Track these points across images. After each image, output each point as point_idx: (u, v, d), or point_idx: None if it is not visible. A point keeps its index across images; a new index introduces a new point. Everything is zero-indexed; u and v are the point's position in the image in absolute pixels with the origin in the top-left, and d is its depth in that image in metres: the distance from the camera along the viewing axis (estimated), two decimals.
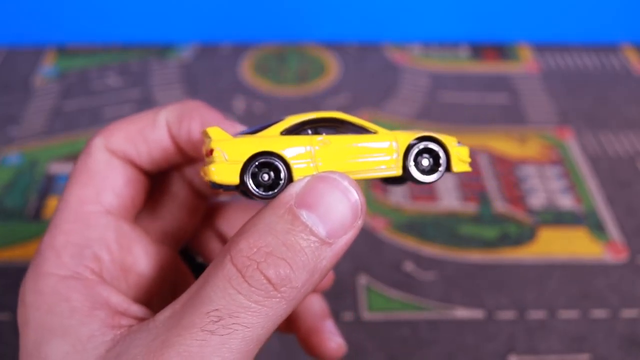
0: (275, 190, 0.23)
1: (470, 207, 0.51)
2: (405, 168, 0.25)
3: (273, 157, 0.23)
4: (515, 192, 0.52)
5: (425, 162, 0.25)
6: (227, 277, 0.20)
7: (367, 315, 0.43)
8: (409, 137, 0.25)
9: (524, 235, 0.49)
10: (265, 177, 0.23)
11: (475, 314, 0.43)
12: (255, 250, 0.20)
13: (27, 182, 0.52)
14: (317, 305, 0.33)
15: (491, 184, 0.53)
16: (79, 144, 0.56)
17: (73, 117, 0.60)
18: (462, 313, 0.43)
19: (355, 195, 0.22)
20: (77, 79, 0.65)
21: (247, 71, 0.66)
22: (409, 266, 0.46)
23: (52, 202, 0.51)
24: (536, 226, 0.50)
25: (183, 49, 0.69)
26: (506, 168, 0.55)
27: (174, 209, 0.30)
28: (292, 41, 0.69)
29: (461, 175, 0.54)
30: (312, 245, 0.21)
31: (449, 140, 0.26)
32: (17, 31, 0.67)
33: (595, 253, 0.48)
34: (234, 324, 0.20)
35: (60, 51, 0.68)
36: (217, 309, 0.20)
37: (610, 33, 0.70)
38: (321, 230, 0.21)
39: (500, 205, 0.51)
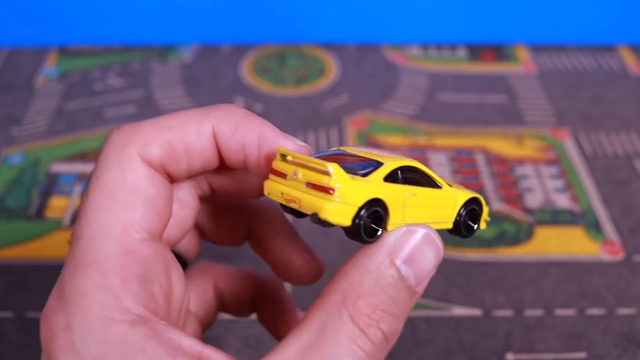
0: (376, 237, 0.24)
1: None
2: (456, 222, 0.27)
3: (380, 205, 0.24)
4: (512, 191, 0.53)
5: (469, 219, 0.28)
6: (351, 337, 0.21)
7: None
8: (464, 196, 0.28)
9: (521, 234, 0.49)
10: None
11: (473, 312, 0.44)
12: (373, 309, 0.22)
13: (29, 182, 0.53)
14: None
15: (489, 184, 0.53)
16: (80, 144, 0.57)
17: (75, 117, 0.60)
18: (459, 311, 0.44)
19: (441, 250, 0.24)
20: (79, 79, 0.65)
21: (247, 71, 0.66)
22: None
23: (54, 202, 0.51)
24: (533, 225, 0.50)
25: (184, 50, 0.69)
26: (504, 168, 0.55)
27: (183, 216, 0.28)
28: (292, 42, 0.70)
29: (461, 175, 0.54)
30: (411, 297, 0.23)
31: (483, 202, 0.29)
32: (19, 32, 0.68)
33: (592, 252, 0.48)
34: None
35: (62, 52, 0.68)
36: None
37: (606, 34, 0.70)
38: (414, 282, 0.23)
39: (497, 205, 0.52)
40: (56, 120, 0.60)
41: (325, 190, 0.23)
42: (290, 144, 0.25)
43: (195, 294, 0.31)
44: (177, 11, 0.67)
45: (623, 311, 0.44)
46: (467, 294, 0.45)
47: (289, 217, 0.30)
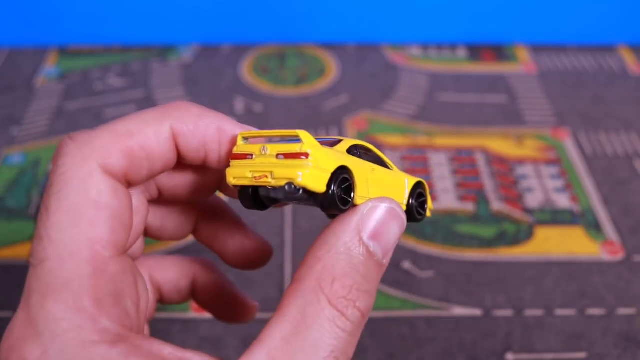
0: (348, 207, 0.24)
1: (468, 206, 0.51)
2: (409, 206, 0.28)
3: (349, 174, 0.24)
4: (512, 191, 0.53)
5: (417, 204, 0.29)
6: (331, 319, 0.22)
7: None
8: (411, 180, 0.28)
9: (521, 234, 0.49)
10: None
11: (473, 312, 0.44)
12: (348, 290, 0.22)
13: (29, 182, 0.53)
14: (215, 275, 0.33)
15: (489, 184, 0.53)
16: None
17: (75, 117, 0.60)
18: (460, 311, 0.44)
19: (405, 221, 0.25)
20: (79, 79, 0.65)
21: (247, 71, 0.66)
22: (407, 265, 0.47)
23: None
24: (533, 225, 0.50)
25: (184, 50, 0.69)
26: (504, 168, 0.55)
27: (135, 223, 0.26)
28: (292, 42, 0.70)
29: (461, 175, 0.54)
30: (379, 271, 0.24)
31: (427, 188, 0.30)
32: (19, 32, 0.68)
33: (592, 252, 0.48)
34: (349, 358, 0.22)
35: (62, 52, 0.68)
36: (333, 351, 0.22)
37: (606, 34, 0.70)
38: (381, 256, 0.24)
39: (497, 205, 0.52)
40: (56, 120, 0.60)
41: (298, 156, 0.23)
42: (241, 128, 0.26)
43: (173, 281, 0.31)
44: (177, 11, 0.67)
45: (623, 311, 0.44)
46: (467, 294, 0.45)
47: (234, 206, 0.30)
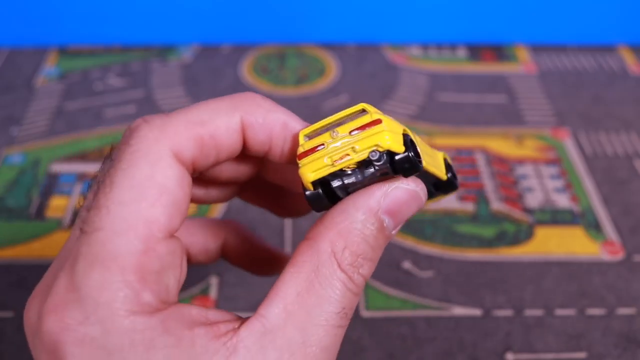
0: (421, 170, 0.24)
1: (468, 206, 0.51)
2: (449, 178, 0.29)
3: (412, 138, 0.25)
4: (512, 191, 0.53)
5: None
6: (342, 281, 0.24)
7: (365, 313, 0.43)
8: (440, 153, 0.29)
9: (521, 234, 0.49)
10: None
11: (473, 312, 0.44)
12: (356, 258, 0.24)
13: (29, 182, 0.53)
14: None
15: (489, 184, 0.53)
16: (80, 144, 0.57)
17: (75, 117, 0.60)
18: (459, 311, 0.44)
19: (424, 202, 0.26)
20: (79, 79, 0.65)
21: (247, 71, 0.66)
22: (407, 265, 0.47)
23: (54, 202, 0.51)
24: (533, 225, 0.50)
25: (184, 50, 0.69)
26: (504, 168, 0.55)
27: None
28: (292, 42, 0.70)
29: (461, 175, 0.54)
30: (386, 242, 0.26)
31: (449, 160, 0.31)
32: (19, 32, 0.68)
33: (592, 252, 0.48)
34: (351, 315, 0.25)
35: (62, 52, 0.68)
36: (344, 307, 0.24)
37: (606, 34, 0.70)
38: (392, 229, 0.26)
39: (497, 205, 0.52)
40: (56, 120, 0.60)
41: (372, 124, 0.23)
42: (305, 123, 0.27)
43: (203, 244, 0.33)
44: (177, 11, 0.67)
45: (623, 311, 0.44)
46: (467, 294, 0.45)
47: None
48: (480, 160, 0.56)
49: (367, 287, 0.45)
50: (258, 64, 0.68)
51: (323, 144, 0.24)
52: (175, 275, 0.24)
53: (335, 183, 0.24)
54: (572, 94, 0.64)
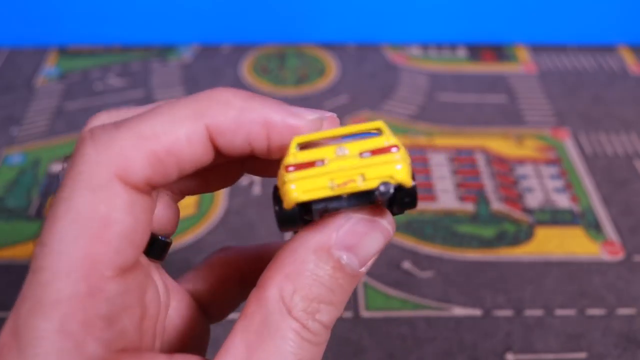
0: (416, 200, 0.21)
1: (468, 207, 0.51)
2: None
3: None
4: (512, 191, 0.53)
5: None
6: (294, 330, 0.21)
7: (365, 313, 0.43)
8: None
9: (521, 234, 0.49)
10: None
11: (473, 312, 0.44)
12: (308, 303, 0.21)
13: (29, 182, 0.53)
14: None
15: (489, 184, 0.53)
16: None
17: (75, 117, 0.60)
18: (459, 311, 0.44)
19: (392, 232, 0.23)
20: (79, 79, 0.65)
21: (247, 71, 0.66)
22: (407, 265, 0.47)
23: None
24: (533, 225, 0.50)
25: (184, 50, 0.69)
26: (504, 168, 0.55)
27: (167, 216, 0.25)
28: (292, 42, 0.70)
29: (461, 175, 0.54)
30: (352, 281, 0.22)
31: None
32: (19, 32, 0.68)
33: (592, 252, 0.48)
34: None
35: (62, 52, 0.68)
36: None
37: (606, 34, 0.70)
38: (357, 267, 0.22)
39: (497, 205, 0.52)
40: (56, 120, 0.60)
41: (388, 150, 0.20)
42: (302, 122, 0.22)
43: (210, 289, 0.28)
44: (177, 11, 0.67)
45: (623, 311, 0.44)
46: (467, 294, 0.45)
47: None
48: (480, 161, 0.56)
49: (367, 287, 0.45)
50: (258, 64, 0.68)
51: (323, 160, 0.20)
52: (134, 316, 0.21)
53: (318, 206, 0.21)
54: (572, 94, 0.64)
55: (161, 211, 0.25)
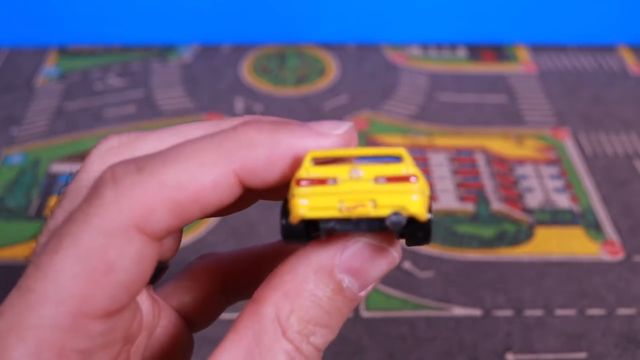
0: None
1: (468, 207, 0.51)
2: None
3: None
4: (512, 191, 0.53)
5: None
6: (286, 352, 0.21)
7: (365, 313, 0.43)
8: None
9: (521, 234, 0.49)
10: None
11: (473, 312, 0.44)
12: (304, 325, 0.21)
13: (29, 182, 0.53)
14: None
15: (489, 184, 0.53)
16: (80, 144, 0.57)
17: (75, 117, 0.60)
18: (460, 311, 0.44)
19: (397, 261, 0.22)
20: (79, 79, 0.65)
21: (247, 71, 0.66)
22: (407, 265, 0.47)
23: (54, 202, 0.51)
24: (533, 225, 0.50)
25: (184, 50, 0.69)
26: (504, 168, 0.55)
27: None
28: (292, 42, 0.70)
29: (461, 175, 0.54)
30: (350, 305, 0.22)
31: None
32: (19, 32, 0.68)
33: (592, 252, 0.48)
34: None
35: (62, 52, 0.68)
36: None
37: (606, 34, 0.70)
38: (357, 291, 0.22)
39: (497, 205, 0.52)
40: (56, 120, 0.60)
41: (406, 179, 0.19)
42: (332, 141, 0.21)
43: (193, 299, 0.28)
44: (177, 11, 0.67)
45: (623, 311, 0.44)
46: (467, 294, 0.45)
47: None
48: (480, 161, 0.56)
49: None
50: (258, 64, 0.68)
51: (335, 179, 0.20)
52: (112, 354, 0.21)
53: (326, 225, 0.20)
54: (572, 94, 0.64)
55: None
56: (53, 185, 0.53)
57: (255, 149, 0.21)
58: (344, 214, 0.19)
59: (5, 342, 0.19)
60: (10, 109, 0.61)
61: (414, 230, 0.20)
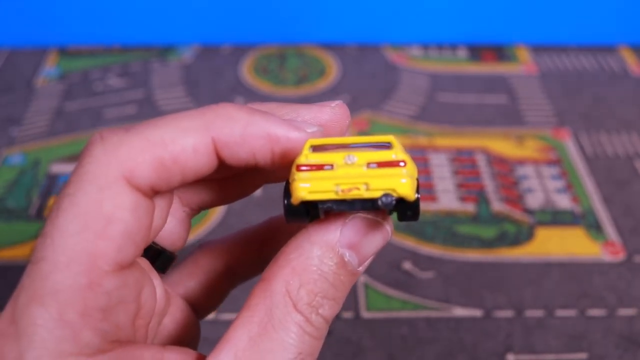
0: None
1: (469, 207, 0.51)
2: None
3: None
4: (513, 192, 0.53)
5: None
6: (298, 324, 0.22)
7: (366, 314, 0.43)
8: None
9: (522, 235, 0.49)
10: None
11: (473, 312, 0.44)
12: (313, 297, 0.22)
13: (29, 182, 0.53)
14: None
15: (489, 184, 0.53)
16: (80, 144, 0.57)
17: (75, 117, 0.60)
18: (460, 312, 0.44)
19: (390, 235, 0.24)
20: (79, 79, 0.65)
21: (247, 72, 0.66)
22: (407, 265, 0.47)
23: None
24: (534, 226, 0.50)
25: (184, 50, 0.69)
26: (504, 168, 0.55)
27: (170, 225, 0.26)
28: (292, 42, 0.70)
29: (461, 175, 0.54)
30: (352, 279, 0.23)
31: None
32: (19, 32, 0.68)
33: (593, 252, 0.48)
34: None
35: (62, 52, 0.68)
36: (301, 353, 0.22)
37: (607, 34, 0.70)
38: (357, 265, 0.23)
39: (498, 205, 0.52)
40: (56, 121, 0.60)
41: (395, 164, 0.21)
42: (303, 135, 0.23)
43: (199, 284, 0.29)
44: (177, 11, 0.67)
45: (624, 312, 0.44)
46: (468, 295, 0.45)
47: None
48: (481, 161, 0.56)
49: (367, 288, 0.45)
50: (258, 64, 0.68)
51: (332, 165, 0.21)
52: (129, 311, 0.22)
53: (323, 205, 0.22)
54: (573, 94, 0.64)
55: (174, 227, 0.26)
56: (53, 185, 0.53)
57: (232, 122, 0.22)
58: (340, 196, 0.21)
59: (29, 312, 0.20)
60: (10, 109, 0.61)
61: (403, 209, 0.22)
